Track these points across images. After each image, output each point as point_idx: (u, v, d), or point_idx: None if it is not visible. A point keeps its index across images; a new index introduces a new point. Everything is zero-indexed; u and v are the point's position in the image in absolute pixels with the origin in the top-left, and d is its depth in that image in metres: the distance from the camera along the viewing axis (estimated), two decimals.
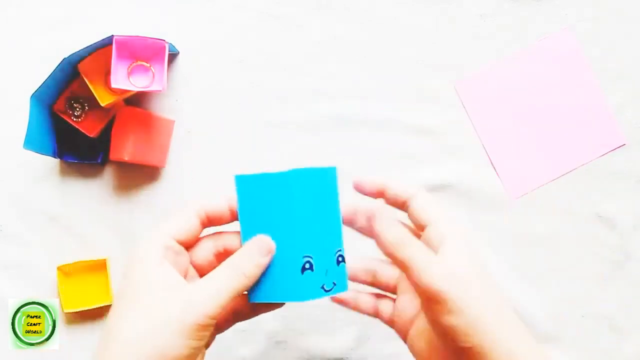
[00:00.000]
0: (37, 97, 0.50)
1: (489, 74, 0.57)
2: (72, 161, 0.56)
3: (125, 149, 0.53)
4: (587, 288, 0.57)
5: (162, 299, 0.35)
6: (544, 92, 0.57)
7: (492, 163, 0.57)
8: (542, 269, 0.57)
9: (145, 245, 0.37)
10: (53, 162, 0.57)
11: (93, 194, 0.57)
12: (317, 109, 0.57)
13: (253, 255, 0.37)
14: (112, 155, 0.53)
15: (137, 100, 0.56)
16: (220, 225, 0.40)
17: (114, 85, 0.50)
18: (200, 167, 0.57)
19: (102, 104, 0.51)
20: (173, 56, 0.56)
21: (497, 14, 0.57)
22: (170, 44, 0.53)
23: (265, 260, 0.38)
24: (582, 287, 0.57)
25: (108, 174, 0.57)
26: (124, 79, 0.52)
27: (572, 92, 0.57)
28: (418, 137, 0.57)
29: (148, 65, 0.52)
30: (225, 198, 0.39)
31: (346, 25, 0.58)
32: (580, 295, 0.57)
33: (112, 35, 0.50)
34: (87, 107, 0.54)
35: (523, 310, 0.56)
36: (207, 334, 0.36)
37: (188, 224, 0.38)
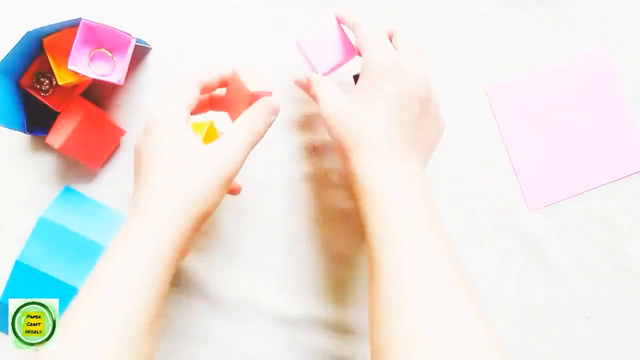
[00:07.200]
0: (1, 69, 0.50)
1: (522, 83, 0.57)
2: (42, 135, 0.55)
3: (58, 138, 0.53)
4: (589, 289, 0.57)
5: (206, 157, 0.42)
6: (575, 108, 0.57)
7: (515, 172, 0.57)
8: (543, 270, 0.57)
9: (173, 110, 0.43)
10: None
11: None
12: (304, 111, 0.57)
13: (264, 114, 0.45)
14: (48, 140, 0.53)
15: (104, 100, 0.56)
16: (208, 93, 0.48)
17: (70, 66, 0.50)
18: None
19: (60, 83, 0.52)
20: (145, 50, 0.56)
21: (497, 14, 0.57)
22: (140, 38, 0.53)
23: (273, 119, 0.46)
24: (584, 288, 0.57)
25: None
26: (84, 63, 0.52)
27: (602, 111, 0.57)
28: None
29: (110, 54, 0.52)
30: (216, 69, 0.47)
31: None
32: (583, 297, 0.57)
33: (80, 18, 0.50)
34: (55, 83, 0.54)
35: (525, 310, 0.57)
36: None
37: (196, 93, 0.45)
